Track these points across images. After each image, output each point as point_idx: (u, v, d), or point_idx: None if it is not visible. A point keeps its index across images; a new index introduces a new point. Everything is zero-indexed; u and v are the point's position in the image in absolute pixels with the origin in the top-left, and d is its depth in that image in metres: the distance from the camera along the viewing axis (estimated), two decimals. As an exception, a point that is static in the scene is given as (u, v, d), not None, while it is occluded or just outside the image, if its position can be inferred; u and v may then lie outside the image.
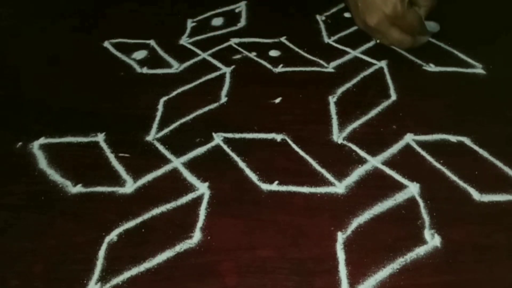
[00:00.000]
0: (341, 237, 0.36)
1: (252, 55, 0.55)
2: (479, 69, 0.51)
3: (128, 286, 0.34)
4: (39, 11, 0.65)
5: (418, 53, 0.53)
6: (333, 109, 0.47)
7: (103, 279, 0.34)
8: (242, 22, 0.60)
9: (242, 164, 0.42)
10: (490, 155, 0.42)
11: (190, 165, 0.42)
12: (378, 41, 0.54)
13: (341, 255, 0.35)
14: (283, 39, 0.57)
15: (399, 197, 0.39)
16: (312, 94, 0.49)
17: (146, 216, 0.38)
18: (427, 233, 0.36)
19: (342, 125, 0.45)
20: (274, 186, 0.40)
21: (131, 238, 0.37)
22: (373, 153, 0.42)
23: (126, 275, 0.35)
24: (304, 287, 0.34)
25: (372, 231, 0.37)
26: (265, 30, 0.58)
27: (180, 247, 0.36)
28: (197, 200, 0.39)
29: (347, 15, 0.60)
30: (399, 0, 0.47)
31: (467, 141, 0.43)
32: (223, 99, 0.49)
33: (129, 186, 0.41)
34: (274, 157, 0.43)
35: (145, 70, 0.53)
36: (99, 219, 0.38)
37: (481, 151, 0.42)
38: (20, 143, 0.45)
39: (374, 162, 0.42)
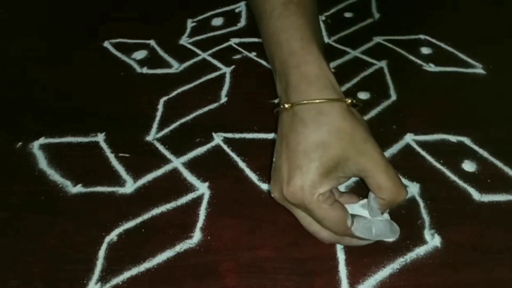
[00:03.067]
0: (341, 237, 0.36)
1: (252, 55, 0.55)
2: (479, 69, 0.51)
3: (128, 286, 0.34)
4: (39, 11, 0.65)
5: (418, 53, 0.53)
6: (333, 109, 0.47)
7: (103, 279, 0.34)
8: (242, 22, 0.60)
9: (242, 164, 0.42)
10: (490, 155, 0.42)
11: (190, 165, 0.42)
12: None
13: (341, 255, 0.35)
14: (283, 39, 0.56)
15: (399, 197, 0.39)
16: (312, 94, 0.49)
17: (146, 216, 0.38)
18: (427, 233, 0.36)
19: (342, 125, 0.45)
20: (274, 186, 0.40)
21: (131, 238, 0.37)
22: (373, 153, 0.42)
23: (126, 275, 0.35)
24: (304, 287, 0.34)
25: (372, 231, 0.37)
26: (265, 30, 0.58)
27: (180, 247, 0.36)
28: (197, 200, 0.39)
29: (347, 15, 0.60)
30: (310, 182, 0.31)
31: (467, 141, 0.43)
32: (223, 99, 0.49)
33: (129, 186, 0.41)
34: (274, 157, 0.43)
35: (145, 70, 0.53)
36: (99, 219, 0.38)
37: (481, 151, 0.42)
38: (20, 143, 0.45)
39: (374, 162, 0.42)
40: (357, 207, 0.35)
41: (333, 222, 0.32)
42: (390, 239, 0.35)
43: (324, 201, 0.31)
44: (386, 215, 0.34)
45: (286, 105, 0.33)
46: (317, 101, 0.32)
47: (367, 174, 0.31)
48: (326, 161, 0.31)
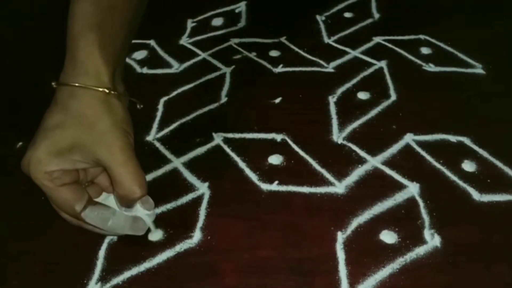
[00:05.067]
0: (341, 237, 0.36)
1: (252, 55, 0.55)
2: (479, 69, 0.51)
3: (128, 286, 0.34)
4: (39, 11, 0.65)
5: (418, 53, 0.53)
6: (333, 109, 0.47)
7: (103, 279, 0.34)
8: (242, 22, 0.60)
9: (242, 164, 0.42)
10: (490, 155, 0.42)
11: (190, 165, 0.42)
12: None
13: (341, 255, 0.35)
14: (283, 39, 0.57)
15: (399, 197, 0.39)
16: (312, 94, 0.49)
17: (146, 216, 0.38)
18: (427, 233, 0.36)
19: (342, 125, 0.45)
20: (274, 186, 0.40)
21: (131, 238, 0.37)
22: (373, 153, 0.42)
23: (126, 275, 0.35)
24: (304, 287, 0.34)
25: (372, 231, 0.37)
26: (265, 30, 0.58)
27: (180, 247, 0.36)
28: (197, 200, 0.39)
29: (347, 15, 0.60)
30: (36, 158, 0.31)
31: (467, 141, 0.43)
32: (223, 99, 0.49)
33: (129, 186, 0.41)
34: (274, 157, 0.43)
35: (145, 70, 0.53)
36: (99, 219, 0.38)
37: (481, 151, 0.42)
38: (20, 143, 0.45)
39: (374, 162, 0.42)
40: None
41: (59, 203, 0.33)
42: (131, 233, 0.35)
43: (51, 180, 0.32)
44: (137, 211, 0.35)
45: (54, 84, 0.34)
46: (74, 84, 0.33)
47: (104, 165, 0.32)
48: (58, 141, 0.32)
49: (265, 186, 0.40)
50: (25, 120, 0.48)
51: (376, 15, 0.60)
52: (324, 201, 0.39)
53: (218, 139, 0.45)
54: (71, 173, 0.33)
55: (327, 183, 0.40)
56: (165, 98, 0.49)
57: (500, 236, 0.36)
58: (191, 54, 0.55)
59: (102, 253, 0.36)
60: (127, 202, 0.34)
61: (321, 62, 0.53)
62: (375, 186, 0.40)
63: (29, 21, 0.63)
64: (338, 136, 0.44)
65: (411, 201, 0.39)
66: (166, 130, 0.46)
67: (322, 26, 0.59)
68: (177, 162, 0.43)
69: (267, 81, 0.51)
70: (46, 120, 0.33)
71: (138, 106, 0.36)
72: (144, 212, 0.35)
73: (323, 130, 0.45)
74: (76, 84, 0.32)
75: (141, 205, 0.34)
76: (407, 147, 0.43)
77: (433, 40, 0.55)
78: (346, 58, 0.53)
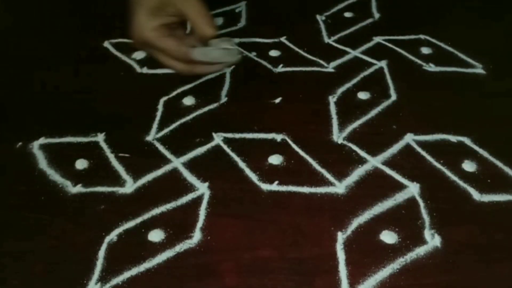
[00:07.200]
0: (341, 237, 0.36)
1: (252, 55, 0.54)
2: (479, 69, 0.51)
3: (128, 286, 0.34)
4: (39, 11, 0.65)
5: (418, 53, 0.53)
6: (333, 109, 0.47)
7: (103, 279, 0.34)
8: (242, 22, 0.60)
9: (242, 164, 0.42)
10: (490, 155, 0.42)
11: (190, 165, 0.42)
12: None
13: (341, 255, 0.35)
14: (283, 39, 0.57)
15: (399, 197, 0.39)
16: (312, 94, 0.49)
17: (146, 216, 0.38)
18: (427, 233, 0.36)
19: (342, 125, 0.45)
20: (274, 186, 0.40)
21: (131, 238, 0.37)
22: (373, 153, 0.42)
23: (126, 275, 0.35)
24: (304, 287, 0.34)
25: (372, 231, 0.37)
26: (265, 30, 0.58)
27: (180, 247, 0.36)
28: (197, 200, 0.39)
29: (347, 15, 0.60)
30: (141, 20, 0.44)
31: (467, 141, 0.43)
32: (223, 99, 0.49)
33: (129, 186, 0.41)
34: (274, 157, 0.43)
35: (145, 70, 0.53)
36: (99, 219, 0.38)
37: (481, 151, 0.42)
38: (20, 143, 0.45)
39: (374, 162, 0.42)
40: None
41: (173, 49, 0.45)
42: (231, 61, 0.49)
43: (159, 33, 0.44)
44: (224, 45, 0.46)
45: None
46: None
47: (186, 15, 0.44)
48: (150, 4, 0.43)
49: (265, 186, 0.40)
50: (25, 120, 0.48)
51: (376, 15, 0.60)
52: (324, 201, 0.39)
53: (218, 139, 0.45)
54: (169, 28, 0.45)
55: (327, 183, 0.40)
56: (165, 98, 0.49)
57: (501, 236, 0.36)
58: (191, 54, 0.55)
59: (102, 253, 0.36)
60: (203, 40, 0.45)
61: (321, 62, 0.53)
62: (375, 186, 0.40)
63: (29, 20, 0.63)
64: (338, 136, 0.44)
65: (411, 201, 0.39)
66: (166, 130, 0.46)
67: (322, 26, 0.58)
68: (177, 162, 0.43)
69: (267, 81, 0.51)
70: None
71: None
72: (229, 47, 0.47)
73: (323, 130, 0.45)
74: None
75: (222, 41, 0.46)
76: (407, 147, 0.43)
77: (433, 40, 0.55)
78: (346, 58, 0.53)
